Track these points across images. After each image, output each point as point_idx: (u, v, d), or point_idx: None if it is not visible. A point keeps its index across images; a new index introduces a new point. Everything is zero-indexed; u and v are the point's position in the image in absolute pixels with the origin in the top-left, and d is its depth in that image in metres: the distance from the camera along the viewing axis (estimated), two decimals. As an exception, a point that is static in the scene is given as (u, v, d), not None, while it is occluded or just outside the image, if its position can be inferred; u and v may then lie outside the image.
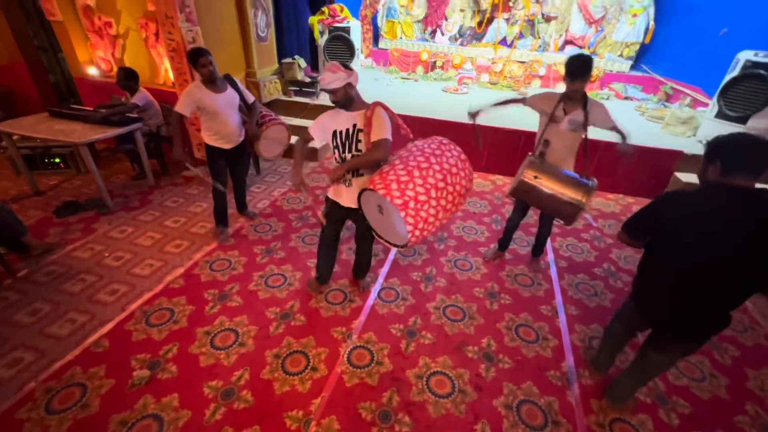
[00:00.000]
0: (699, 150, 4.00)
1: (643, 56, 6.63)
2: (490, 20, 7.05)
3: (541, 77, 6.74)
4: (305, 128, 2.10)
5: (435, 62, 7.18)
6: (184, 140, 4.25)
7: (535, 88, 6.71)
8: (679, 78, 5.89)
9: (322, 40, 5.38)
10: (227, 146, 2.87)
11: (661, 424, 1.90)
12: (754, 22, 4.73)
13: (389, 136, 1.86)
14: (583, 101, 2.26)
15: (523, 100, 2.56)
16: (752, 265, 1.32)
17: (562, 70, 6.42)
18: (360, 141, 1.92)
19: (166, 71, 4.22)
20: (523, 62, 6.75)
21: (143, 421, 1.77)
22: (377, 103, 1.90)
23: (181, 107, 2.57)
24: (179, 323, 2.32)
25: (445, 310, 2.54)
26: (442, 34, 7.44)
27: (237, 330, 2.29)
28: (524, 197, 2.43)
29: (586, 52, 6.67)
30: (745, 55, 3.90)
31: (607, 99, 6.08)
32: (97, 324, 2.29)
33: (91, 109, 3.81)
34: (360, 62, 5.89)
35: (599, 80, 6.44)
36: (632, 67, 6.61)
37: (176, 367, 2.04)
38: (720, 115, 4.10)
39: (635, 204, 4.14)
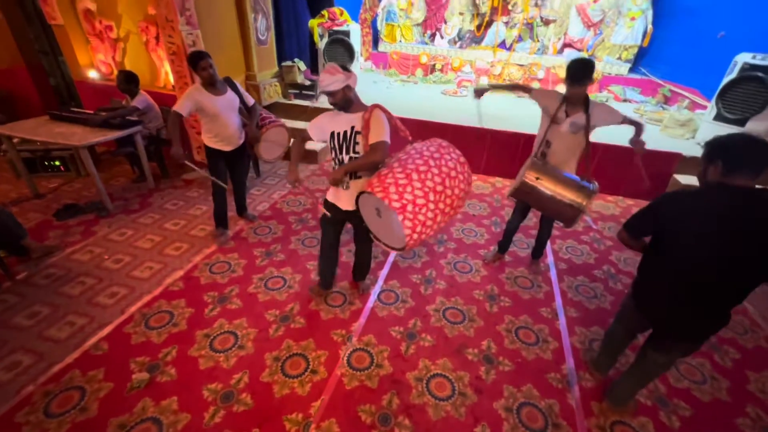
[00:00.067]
0: (698, 152, 4.01)
1: (641, 59, 6.66)
2: (489, 23, 7.09)
3: (540, 80, 6.77)
4: (305, 130, 2.11)
5: (434, 65, 7.21)
6: (183, 143, 4.27)
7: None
8: (678, 81, 5.91)
9: (321, 44, 5.40)
10: (227, 148, 2.87)
11: (661, 427, 1.90)
12: (751, 25, 4.75)
13: (387, 139, 1.86)
14: (585, 104, 2.26)
15: (529, 91, 2.56)
16: (752, 265, 1.33)
17: (561, 73, 6.45)
18: (358, 143, 1.92)
19: (167, 74, 4.24)
20: (522, 65, 6.78)
21: (142, 425, 1.76)
22: (375, 106, 1.91)
23: (180, 107, 2.56)
24: (178, 326, 2.31)
25: (445, 312, 2.54)
26: (442, 37, 7.48)
27: (236, 333, 2.28)
28: (525, 198, 2.43)
29: (586, 55, 6.70)
30: (743, 58, 3.92)
31: (606, 101, 6.10)
32: (97, 327, 2.28)
33: (91, 112, 3.82)
34: (360, 65, 5.92)
35: (598, 83, 6.47)
36: (631, 70, 6.64)
37: (175, 370, 2.03)
38: (718, 117, 4.12)
39: (635, 206, 4.15)
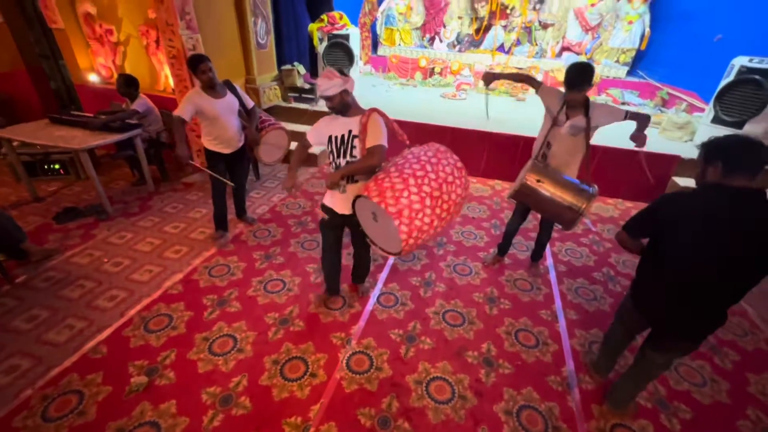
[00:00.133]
0: (696, 154, 4.02)
1: (639, 62, 6.69)
2: (488, 27, 7.12)
3: (538, 83, 6.78)
4: (305, 133, 2.12)
5: (433, 69, 7.24)
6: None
7: (532, 93, 6.74)
8: (675, 83, 5.94)
9: (321, 47, 5.42)
10: (227, 151, 2.88)
11: (662, 429, 1.89)
12: (747, 29, 4.78)
13: (385, 143, 1.86)
14: (585, 106, 2.27)
15: (537, 86, 2.49)
16: (751, 265, 1.34)
17: (560, 77, 6.47)
18: (355, 147, 1.92)
19: (167, 78, 4.25)
20: (520, 68, 6.80)
21: (140, 429, 1.75)
22: (373, 110, 1.91)
23: (182, 111, 2.57)
24: (178, 329, 2.31)
25: (445, 315, 2.54)
26: (441, 41, 7.51)
27: (235, 336, 2.28)
28: (525, 200, 2.43)
29: (584, 59, 6.73)
30: (740, 61, 3.94)
31: (603, 103, 6.12)
32: (95, 330, 2.28)
33: (91, 115, 3.83)
34: (359, 69, 5.94)
35: (596, 86, 6.49)
36: (629, 73, 6.66)
37: (174, 373, 2.03)
38: (716, 120, 4.13)
39: (634, 208, 4.15)
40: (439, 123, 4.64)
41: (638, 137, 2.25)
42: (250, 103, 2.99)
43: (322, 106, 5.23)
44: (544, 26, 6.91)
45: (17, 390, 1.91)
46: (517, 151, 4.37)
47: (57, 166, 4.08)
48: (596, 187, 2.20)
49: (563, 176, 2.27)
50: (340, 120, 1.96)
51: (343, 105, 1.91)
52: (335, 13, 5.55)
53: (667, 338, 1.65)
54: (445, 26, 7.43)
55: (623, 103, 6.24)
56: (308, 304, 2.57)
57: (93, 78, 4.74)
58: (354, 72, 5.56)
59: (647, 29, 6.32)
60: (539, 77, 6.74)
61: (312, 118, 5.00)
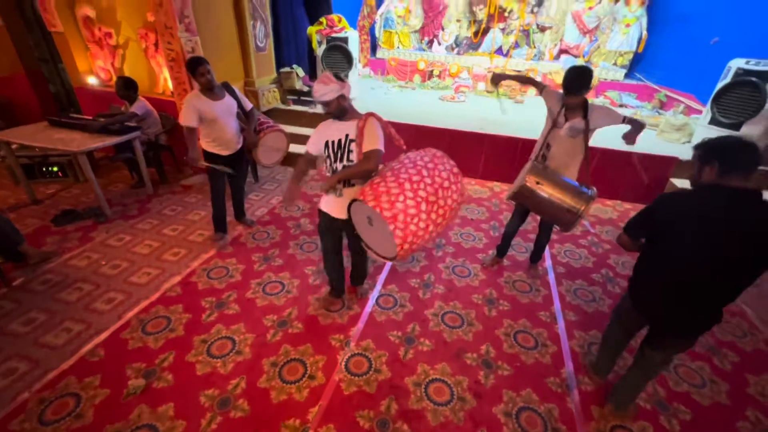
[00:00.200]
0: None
1: (636, 65, 6.73)
2: (486, 30, 7.15)
3: (536, 85, 6.81)
4: (304, 136, 2.11)
5: (432, 71, 7.26)
6: (183, 148, 4.28)
7: (530, 96, 6.78)
8: (673, 86, 5.96)
9: (320, 50, 5.44)
10: (225, 153, 2.88)
11: (662, 431, 1.88)
12: (744, 31, 4.81)
13: (381, 147, 1.86)
14: (584, 108, 2.28)
15: (541, 89, 2.53)
16: (747, 265, 1.36)
17: (558, 79, 6.49)
18: (352, 151, 1.92)
19: (165, 80, 4.26)
20: (518, 71, 6.83)
21: (138, 432, 1.75)
22: (370, 114, 1.91)
23: (188, 120, 2.59)
24: (176, 331, 2.30)
25: (444, 316, 2.53)
26: (439, 43, 7.54)
27: (234, 338, 2.27)
28: (524, 201, 2.44)
29: (582, 61, 6.76)
30: (737, 63, 3.97)
31: (601, 105, 6.14)
32: (93, 333, 2.27)
33: (89, 118, 3.83)
34: (358, 71, 5.95)
35: (594, 89, 6.52)
36: (626, 76, 6.70)
37: (172, 375, 2.02)
38: (713, 121, 4.15)
39: (632, 210, 4.16)
40: (438, 125, 4.66)
41: (630, 137, 2.28)
42: (248, 105, 3.00)
43: (321, 108, 5.24)
44: (542, 29, 6.94)
45: (14, 393, 1.90)
46: (515, 152, 4.38)
47: (55, 169, 4.07)
48: (595, 189, 2.20)
49: (562, 178, 2.27)
50: (336, 125, 1.96)
51: (340, 110, 1.92)
52: (334, 16, 5.57)
53: (665, 336, 1.66)
54: (443, 29, 7.46)
55: (621, 105, 6.27)
56: (307, 306, 2.56)
57: (92, 81, 4.75)
58: (353, 74, 5.57)
59: (644, 32, 6.36)
60: (537, 79, 6.77)
61: (311, 120, 5.01)
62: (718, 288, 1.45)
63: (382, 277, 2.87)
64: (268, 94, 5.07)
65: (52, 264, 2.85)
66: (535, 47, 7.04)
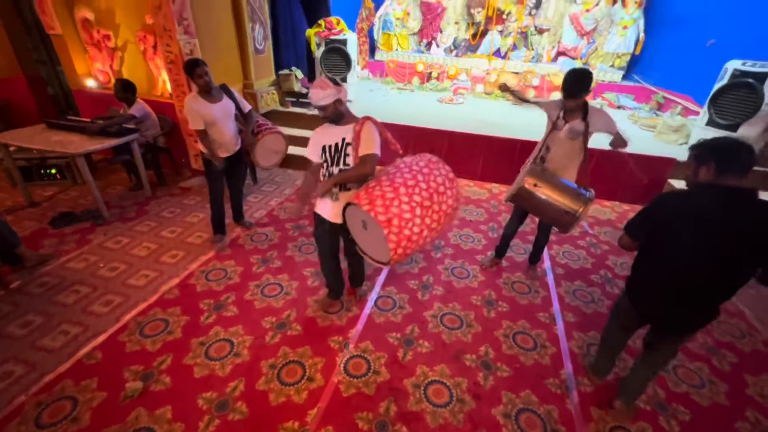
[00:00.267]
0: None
1: (634, 66, 6.76)
2: (484, 32, 7.18)
3: (534, 87, 6.85)
4: (303, 138, 2.11)
5: (430, 73, 7.28)
6: (182, 150, 4.28)
7: (529, 97, 6.80)
8: (670, 87, 5.99)
9: (318, 52, 5.45)
10: (223, 155, 2.87)
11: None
12: (740, 33, 4.84)
13: (377, 151, 1.87)
14: (584, 111, 2.29)
15: (540, 104, 2.62)
16: (744, 265, 1.37)
17: (556, 81, 6.50)
18: (348, 155, 1.92)
19: (164, 83, 4.26)
20: (517, 73, 6.86)
21: (135, 435, 1.73)
22: (367, 118, 1.91)
23: (196, 124, 2.64)
24: (173, 334, 2.29)
25: (443, 318, 2.53)
26: (437, 46, 7.57)
27: (232, 340, 2.26)
28: (522, 203, 2.44)
29: (579, 63, 6.79)
30: (733, 65, 3.99)
31: (601, 108, 6.17)
32: (91, 335, 2.26)
33: (88, 120, 3.82)
34: (357, 73, 5.97)
35: (592, 91, 6.55)
36: (624, 77, 6.73)
37: (170, 378, 2.01)
38: (710, 122, 4.16)
39: (631, 211, 4.17)
40: (437, 127, 4.66)
41: (617, 143, 2.33)
42: (246, 107, 3.00)
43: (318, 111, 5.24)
44: (540, 31, 6.97)
45: (11, 396, 1.88)
46: (514, 154, 4.39)
47: (53, 171, 4.06)
48: (593, 191, 2.20)
49: (561, 180, 2.28)
50: (333, 128, 1.96)
51: (337, 114, 1.91)
52: (332, 19, 5.59)
53: (666, 334, 1.70)
54: (441, 31, 7.49)
55: (619, 107, 6.29)
56: (306, 307, 2.55)
57: (91, 83, 4.75)
58: (351, 77, 5.58)
59: (642, 34, 6.40)
60: (535, 81, 6.80)
61: (309, 122, 5.01)
62: (716, 287, 1.47)
63: (380, 279, 2.86)
64: (267, 97, 5.07)
65: (49, 266, 2.83)
66: (533, 49, 7.07)
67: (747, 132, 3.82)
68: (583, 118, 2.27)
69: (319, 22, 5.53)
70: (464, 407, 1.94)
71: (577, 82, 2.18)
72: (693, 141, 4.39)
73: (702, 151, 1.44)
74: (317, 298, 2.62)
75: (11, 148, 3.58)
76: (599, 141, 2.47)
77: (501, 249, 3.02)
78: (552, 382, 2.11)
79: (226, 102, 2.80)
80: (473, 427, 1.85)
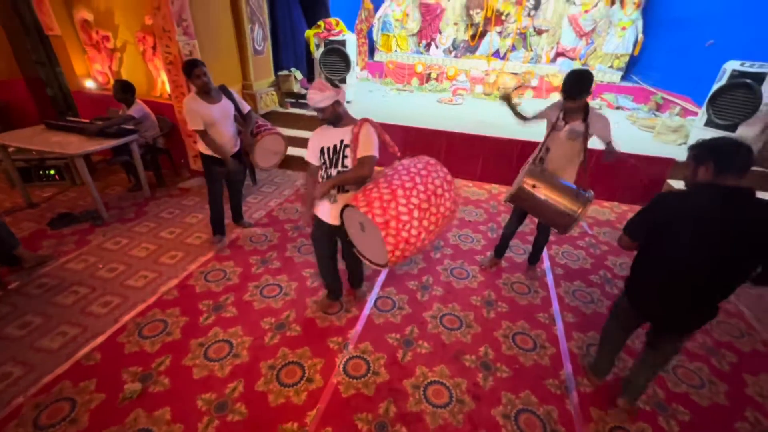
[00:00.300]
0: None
1: (633, 67, 6.78)
2: (483, 33, 7.20)
3: (533, 88, 6.86)
4: (302, 139, 2.11)
5: (430, 74, 7.29)
6: (181, 152, 4.28)
7: (528, 98, 6.82)
8: (669, 88, 6.00)
9: (318, 53, 5.46)
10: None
11: (661, 432, 1.88)
12: (738, 34, 4.86)
13: (376, 153, 1.86)
14: (585, 113, 2.29)
15: (539, 116, 2.60)
16: (743, 264, 1.38)
17: (555, 81, 6.49)
18: (347, 156, 1.92)
19: (163, 84, 4.26)
20: (516, 74, 6.87)
21: (134, 436, 1.73)
22: (365, 120, 1.91)
23: (196, 124, 2.65)
24: (172, 335, 2.28)
25: (442, 318, 2.53)
26: (437, 46, 7.58)
27: (231, 341, 2.26)
28: (521, 204, 2.44)
29: (578, 64, 6.80)
30: (732, 65, 4.00)
31: (599, 109, 6.17)
32: (89, 336, 2.25)
33: (87, 121, 3.82)
34: (356, 74, 5.97)
35: (592, 92, 6.56)
36: (623, 78, 6.74)
37: (169, 379, 2.00)
38: (709, 123, 4.17)
39: (630, 212, 4.17)
40: (436, 127, 4.67)
41: (609, 155, 2.35)
42: (245, 108, 3.00)
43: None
44: (539, 32, 6.99)
45: (9, 398, 1.88)
46: (513, 155, 4.39)
47: (52, 172, 4.06)
48: (592, 192, 2.21)
49: (560, 180, 2.28)
50: (331, 131, 1.96)
51: (336, 116, 1.91)
52: (332, 20, 5.59)
53: (666, 332, 1.72)
54: (440, 32, 7.50)
55: (618, 108, 6.30)
56: (305, 308, 2.55)
57: (90, 84, 4.75)
58: (351, 77, 5.59)
59: (640, 35, 6.42)
60: (534, 82, 6.81)
61: (309, 123, 5.01)
62: (715, 287, 1.48)
63: (380, 280, 2.86)
64: (266, 98, 5.07)
65: (47, 267, 2.83)
66: (532, 50, 7.08)
67: (745, 132, 3.83)
68: (583, 120, 2.27)
69: (319, 23, 5.53)
70: (464, 408, 1.94)
71: (577, 84, 2.18)
72: (692, 141, 4.43)
73: (701, 151, 1.45)
74: (316, 299, 2.62)
75: (10, 149, 3.57)
76: (597, 141, 2.48)
77: (500, 249, 3.02)
78: (551, 383, 2.11)
79: (225, 103, 2.80)
80: (473, 428, 1.85)
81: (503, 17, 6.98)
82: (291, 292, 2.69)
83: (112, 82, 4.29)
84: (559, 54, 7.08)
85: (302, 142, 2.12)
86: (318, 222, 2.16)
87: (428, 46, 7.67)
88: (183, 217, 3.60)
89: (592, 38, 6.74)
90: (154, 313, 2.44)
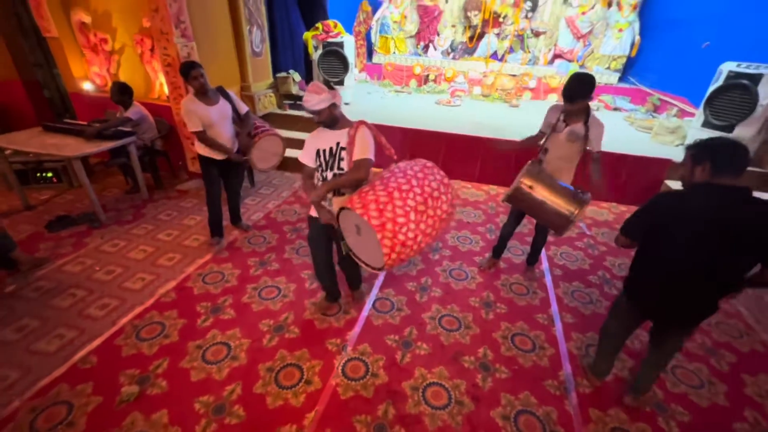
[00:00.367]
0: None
1: (630, 69, 6.81)
2: (481, 35, 7.23)
3: (531, 89, 6.88)
4: (300, 140, 2.10)
5: (428, 76, 7.32)
6: (179, 153, 4.28)
7: (526, 100, 6.84)
8: (666, 89, 6.03)
9: (316, 55, 5.47)
10: (220, 157, 2.87)
11: (660, 433, 1.88)
12: (734, 35, 4.89)
13: (372, 156, 1.86)
14: (586, 116, 2.29)
15: (541, 133, 2.58)
16: (742, 262, 1.40)
17: (552, 83, 6.52)
18: (342, 159, 1.91)
19: (161, 86, 4.25)
20: (513, 75, 6.90)
21: (131, 439, 1.72)
22: (361, 122, 1.90)
23: (194, 125, 2.65)
24: (170, 337, 2.27)
25: (441, 320, 2.52)
26: (435, 48, 7.60)
27: (229, 343, 2.24)
28: (518, 204, 2.44)
29: (576, 66, 6.83)
30: (728, 66, 4.02)
31: (597, 110, 6.21)
32: (86, 339, 2.24)
33: (84, 123, 3.81)
34: (354, 76, 5.98)
35: (593, 96, 6.59)
36: (620, 80, 6.78)
37: (166, 382, 1.99)
38: (706, 124, 4.19)
39: (627, 212, 4.18)
40: (434, 129, 4.67)
41: (597, 173, 2.35)
42: (243, 109, 2.99)
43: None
44: (536, 34, 7.02)
45: (5, 401, 1.86)
46: (511, 156, 4.40)
47: (50, 174, 4.05)
48: (589, 194, 2.21)
49: (558, 182, 2.28)
50: (327, 133, 1.95)
51: (332, 119, 1.91)
52: (330, 22, 5.61)
53: (668, 330, 1.75)
54: (438, 34, 7.53)
55: (615, 109, 6.33)
56: (303, 310, 2.54)
57: (87, 86, 4.73)
58: (349, 79, 5.60)
59: (637, 36, 6.45)
60: (532, 83, 6.84)
61: (307, 125, 5.01)
62: (715, 286, 1.49)
63: (378, 281, 2.86)
64: (265, 99, 5.08)
65: (44, 270, 2.81)
66: (529, 52, 7.12)
67: (742, 133, 3.85)
68: (585, 122, 2.28)
69: (317, 25, 5.55)
70: (463, 409, 1.93)
71: (581, 87, 2.19)
72: (689, 142, 4.44)
73: (698, 150, 1.46)
74: (315, 301, 2.61)
75: (7, 152, 3.56)
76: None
77: (498, 249, 3.02)
78: (551, 384, 2.10)
79: (223, 104, 2.79)
80: (472, 429, 1.84)
81: (501, 19, 7.01)
82: (289, 294, 2.68)
83: (110, 84, 4.28)
84: (556, 56, 7.12)
85: (300, 144, 2.12)
86: (314, 222, 2.15)
87: (426, 47, 7.69)
88: (181, 219, 3.59)
89: (589, 40, 6.78)
90: (152, 315, 2.43)
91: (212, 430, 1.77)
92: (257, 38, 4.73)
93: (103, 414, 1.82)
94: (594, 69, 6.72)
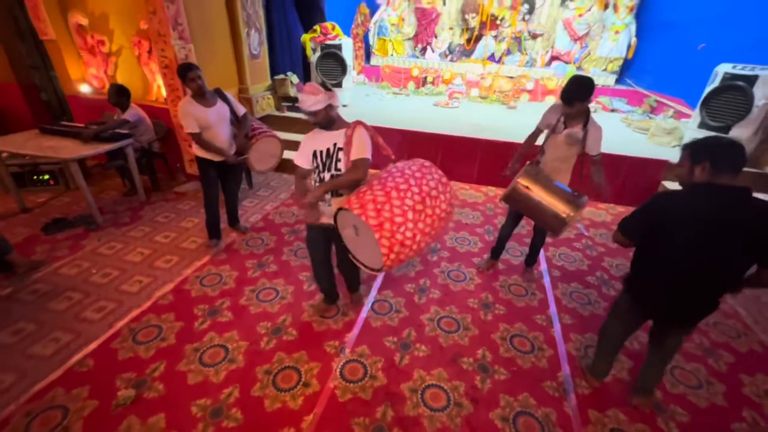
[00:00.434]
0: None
1: (626, 71, 6.85)
2: (479, 37, 7.25)
3: (529, 91, 6.91)
4: (298, 142, 2.10)
5: (426, 78, 7.33)
6: (177, 155, 4.27)
7: (523, 101, 6.87)
8: (662, 90, 6.06)
9: (314, 57, 5.47)
10: (218, 159, 2.86)
11: (659, 434, 1.88)
12: (730, 37, 4.92)
13: (369, 156, 1.86)
14: (585, 119, 2.29)
15: (538, 131, 2.61)
16: (741, 261, 1.40)
17: (550, 84, 6.54)
18: (340, 160, 1.91)
19: (159, 88, 4.25)
20: (511, 77, 6.92)
21: (127, 443, 1.70)
22: (358, 122, 1.90)
23: (191, 127, 2.65)
24: (167, 340, 2.26)
25: (440, 321, 2.52)
26: (432, 50, 7.62)
27: (227, 346, 2.23)
28: (515, 204, 2.44)
29: (573, 68, 6.86)
30: (724, 68, 4.04)
31: (594, 112, 6.23)
32: (83, 343, 2.22)
33: (81, 125, 3.80)
34: (352, 78, 5.99)
35: (593, 100, 6.62)
36: (617, 81, 6.81)
37: (163, 385, 1.98)
38: (702, 125, 4.21)
39: (625, 213, 4.18)
40: (432, 131, 4.68)
41: (599, 178, 2.36)
42: (241, 111, 2.99)
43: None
44: (534, 36, 7.05)
45: (0, 405, 1.84)
46: (509, 157, 4.38)
47: (46, 177, 4.03)
48: (586, 196, 2.21)
49: (555, 183, 2.28)
50: (324, 134, 1.95)
51: (328, 120, 1.90)
52: (327, 24, 5.62)
53: (669, 328, 1.76)
54: (436, 36, 7.55)
55: (612, 110, 6.35)
56: (301, 312, 2.53)
57: (85, 89, 4.72)
58: (347, 81, 5.61)
59: (634, 38, 6.49)
60: (530, 85, 6.86)
61: (305, 126, 5.02)
62: (714, 285, 1.50)
63: (377, 283, 2.85)
64: (263, 101, 5.08)
65: (41, 273, 2.80)
66: (526, 54, 7.14)
67: (739, 133, 3.86)
68: (584, 125, 2.28)
69: (315, 27, 5.56)
70: (462, 411, 1.93)
71: (575, 90, 2.19)
72: (686, 142, 4.46)
73: (697, 150, 1.46)
74: (313, 303, 2.60)
75: (3, 154, 3.54)
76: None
77: (497, 250, 3.01)
78: (549, 385, 2.10)
79: (221, 106, 2.79)
80: (471, 431, 1.83)
81: (498, 21, 7.04)
82: (287, 296, 2.67)
83: (107, 86, 4.27)
84: (553, 58, 7.15)
85: (298, 146, 2.11)
86: (312, 224, 2.14)
87: (424, 50, 7.71)
88: (178, 222, 3.57)
89: (586, 42, 6.81)
90: (149, 318, 2.42)
91: (209, 433, 1.76)
92: (255, 41, 4.73)
93: (99, 418, 1.81)
94: (591, 71, 6.76)
